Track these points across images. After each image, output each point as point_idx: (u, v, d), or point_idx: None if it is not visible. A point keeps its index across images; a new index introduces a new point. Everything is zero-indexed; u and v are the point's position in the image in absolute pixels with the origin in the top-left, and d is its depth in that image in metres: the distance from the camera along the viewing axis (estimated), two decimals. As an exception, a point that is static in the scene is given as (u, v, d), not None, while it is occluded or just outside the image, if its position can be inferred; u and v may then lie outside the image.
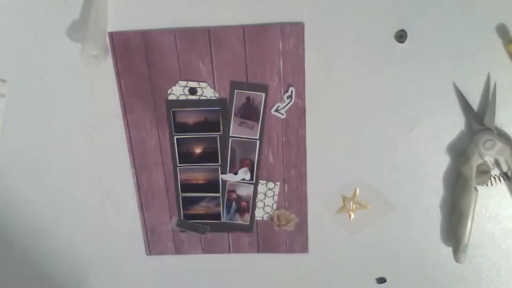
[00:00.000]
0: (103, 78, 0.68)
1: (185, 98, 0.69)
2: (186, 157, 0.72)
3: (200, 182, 0.73)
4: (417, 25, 0.63)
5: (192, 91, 0.68)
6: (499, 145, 0.64)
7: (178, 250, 0.77)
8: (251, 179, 0.72)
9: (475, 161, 0.65)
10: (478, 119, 0.65)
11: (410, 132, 0.68)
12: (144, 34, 0.65)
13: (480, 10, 0.62)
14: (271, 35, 0.64)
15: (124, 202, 0.75)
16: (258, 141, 0.70)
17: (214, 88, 0.68)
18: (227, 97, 0.68)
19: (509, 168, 0.66)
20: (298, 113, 0.68)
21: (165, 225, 0.75)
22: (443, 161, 0.69)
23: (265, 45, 0.64)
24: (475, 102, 0.65)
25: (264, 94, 0.68)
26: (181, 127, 0.70)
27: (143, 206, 0.74)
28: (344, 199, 0.72)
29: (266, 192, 0.73)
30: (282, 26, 0.63)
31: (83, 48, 0.62)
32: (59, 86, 0.69)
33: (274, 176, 0.72)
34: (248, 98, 0.68)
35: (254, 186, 0.73)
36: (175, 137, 0.71)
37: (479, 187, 0.67)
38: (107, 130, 0.71)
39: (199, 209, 0.74)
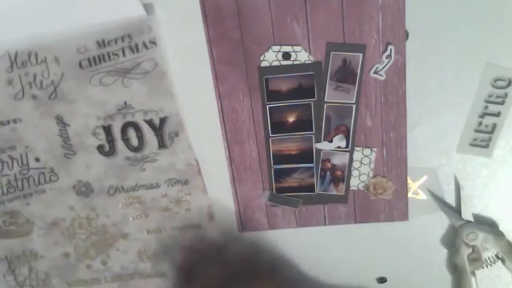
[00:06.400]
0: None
1: (278, 64, 0.66)
2: (279, 126, 0.69)
3: (293, 152, 0.70)
4: (419, 25, 0.63)
5: (286, 56, 0.66)
6: (481, 235, 0.68)
7: (271, 226, 0.74)
8: (347, 146, 0.69)
9: (465, 251, 0.69)
10: (457, 215, 0.69)
11: (410, 132, 0.68)
12: (237, -3, 0.63)
13: (482, 10, 0.62)
14: (371, -12, 0.61)
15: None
16: (354, 105, 0.67)
17: (309, 51, 0.65)
18: (322, 60, 0.66)
19: (497, 251, 0.69)
20: (398, 70, 0.65)
21: (258, 199, 0.73)
22: (444, 161, 0.69)
23: (363, -2, 0.62)
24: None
25: (361, 55, 0.65)
26: (273, 95, 0.68)
27: (236, 180, 0.72)
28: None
29: (362, 159, 0.70)
30: (382, -22, 0.61)
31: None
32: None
33: (372, 141, 0.69)
34: (344, 60, 0.65)
35: (350, 154, 0.70)
36: (267, 106, 0.68)
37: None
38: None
39: (292, 181, 0.72)
